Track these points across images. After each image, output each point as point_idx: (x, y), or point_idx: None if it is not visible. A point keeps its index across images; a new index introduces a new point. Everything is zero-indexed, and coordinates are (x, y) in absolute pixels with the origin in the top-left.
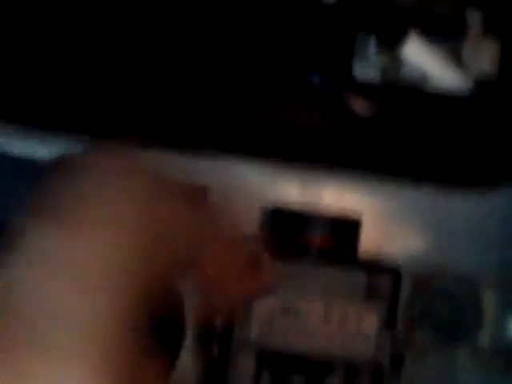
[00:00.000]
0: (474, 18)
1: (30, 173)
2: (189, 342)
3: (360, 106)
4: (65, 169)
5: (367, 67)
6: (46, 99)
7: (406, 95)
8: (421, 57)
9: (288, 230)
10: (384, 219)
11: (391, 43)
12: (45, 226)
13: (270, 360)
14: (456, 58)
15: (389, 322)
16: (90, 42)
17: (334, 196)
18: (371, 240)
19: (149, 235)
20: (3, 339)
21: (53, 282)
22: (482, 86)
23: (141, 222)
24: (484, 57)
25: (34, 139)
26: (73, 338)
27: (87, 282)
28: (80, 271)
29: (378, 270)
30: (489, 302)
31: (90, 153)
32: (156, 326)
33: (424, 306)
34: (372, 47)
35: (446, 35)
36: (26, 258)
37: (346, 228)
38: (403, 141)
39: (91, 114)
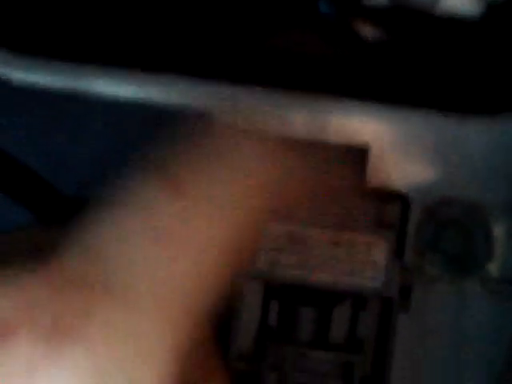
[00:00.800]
0: None
1: (34, 104)
2: None
3: (369, 31)
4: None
5: None
6: (48, 25)
7: (415, 19)
8: None
9: None
10: (392, 147)
11: None
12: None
13: (278, 291)
14: None
15: (398, 252)
16: None
17: (341, 124)
18: (379, 169)
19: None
20: (80, 285)
21: (145, 237)
22: (492, 9)
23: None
24: None
25: (37, 68)
26: (154, 295)
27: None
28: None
29: (387, 199)
30: (499, 230)
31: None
32: None
33: (433, 235)
34: None
35: None
36: (126, 211)
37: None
38: (412, 67)
39: (97, 42)
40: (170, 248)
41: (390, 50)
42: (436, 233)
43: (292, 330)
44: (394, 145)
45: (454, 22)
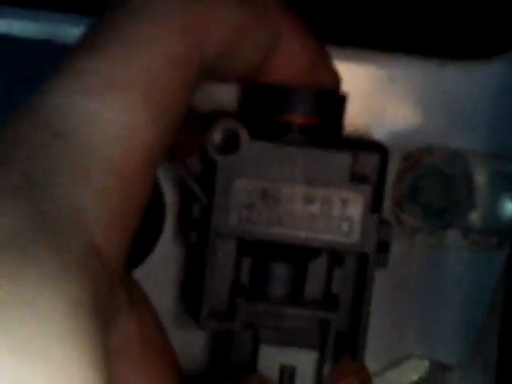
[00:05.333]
0: None
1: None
2: (168, 228)
3: None
4: None
5: None
6: None
7: None
8: None
9: (268, 108)
10: (371, 94)
11: None
12: None
13: (251, 247)
14: None
15: (375, 205)
16: None
17: None
18: (358, 115)
19: None
20: None
21: None
22: None
23: None
24: None
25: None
26: None
27: None
28: None
29: (364, 148)
30: (481, 179)
31: None
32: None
33: (413, 184)
34: None
35: None
36: None
37: (331, 104)
38: (392, 10)
39: None
40: None
41: None
42: (416, 183)
43: (265, 287)
44: (373, 90)
45: None
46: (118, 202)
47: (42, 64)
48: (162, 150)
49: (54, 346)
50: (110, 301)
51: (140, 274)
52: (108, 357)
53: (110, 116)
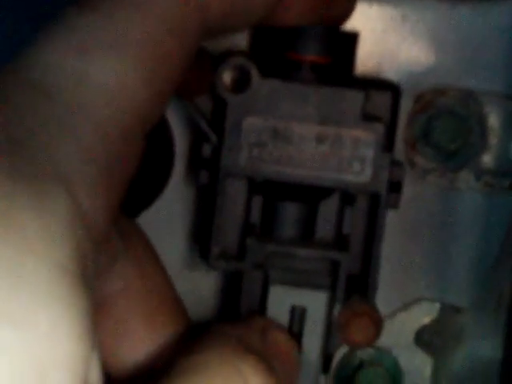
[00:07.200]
0: None
1: None
2: (178, 169)
3: None
4: None
5: None
6: None
7: None
8: None
9: (278, 46)
10: (384, 33)
11: None
12: None
13: (261, 186)
14: None
15: (387, 145)
16: None
17: None
18: (369, 55)
19: None
20: None
21: None
22: None
23: None
24: None
25: None
26: None
27: None
28: None
29: (377, 87)
30: (494, 120)
31: None
32: (147, 152)
33: (425, 125)
34: None
35: None
36: None
37: (342, 42)
38: None
39: None
40: None
41: None
42: (429, 123)
43: (275, 227)
44: (385, 30)
45: None
46: (104, 163)
47: (48, 9)
48: (155, 112)
49: (38, 312)
50: (98, 260)
51: (150, 215)
52: (94, 321)
53: (99, 76)
